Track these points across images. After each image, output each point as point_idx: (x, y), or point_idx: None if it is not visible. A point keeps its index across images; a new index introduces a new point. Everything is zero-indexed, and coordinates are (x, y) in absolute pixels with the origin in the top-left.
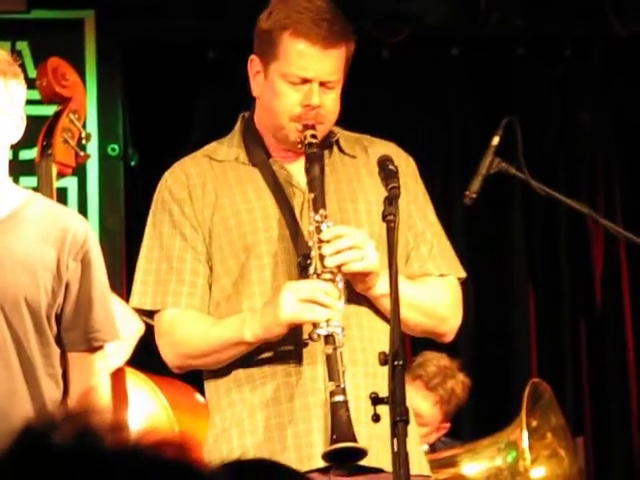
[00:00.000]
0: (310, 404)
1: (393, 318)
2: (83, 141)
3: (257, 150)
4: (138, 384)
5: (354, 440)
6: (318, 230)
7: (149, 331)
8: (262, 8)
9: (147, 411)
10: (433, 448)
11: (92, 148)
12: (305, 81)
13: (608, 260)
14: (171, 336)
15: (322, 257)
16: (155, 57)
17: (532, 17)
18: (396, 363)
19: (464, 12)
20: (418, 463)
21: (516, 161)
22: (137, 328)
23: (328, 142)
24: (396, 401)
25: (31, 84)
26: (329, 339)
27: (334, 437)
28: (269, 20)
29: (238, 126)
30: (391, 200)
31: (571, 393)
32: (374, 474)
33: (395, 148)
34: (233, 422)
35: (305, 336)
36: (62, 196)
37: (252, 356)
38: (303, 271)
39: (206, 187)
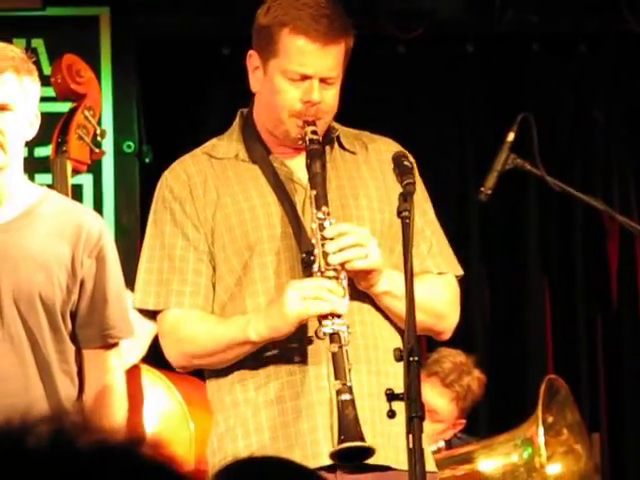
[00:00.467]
0: (315, 402)
1: (408, 314)
2: (98, 138)
3: (257, 146)
4: (154, 381)
5: (362, 439)
6: (321, 227)
7: None
8: None
9: (163, 408)
10: (449, 444)
11: (107, 145)
12: (305, 77)
13: (624, 256)
14: (175, 336)
15: (325, 255)
16: (170, 54)
17: (546, 13)
18: (411, 359)
19: (479, 8)
20: (426, 459)
21: (531, 157)
22: (153, 325)
23: (329, 138)
24: (411, 397)
25: (46, 81)
26: (334, 337)
27: (342, 437)
28: (267, 16)
29: (237, 122)
30: (406, 196)
31: (587, 389)
32: (381, 471)
33: (395, 145)
34: (237, 421)
35: (309, 334)
36: (77, 193)
37: (256, 355)
38: (307, 268)
39: (207, 185)
